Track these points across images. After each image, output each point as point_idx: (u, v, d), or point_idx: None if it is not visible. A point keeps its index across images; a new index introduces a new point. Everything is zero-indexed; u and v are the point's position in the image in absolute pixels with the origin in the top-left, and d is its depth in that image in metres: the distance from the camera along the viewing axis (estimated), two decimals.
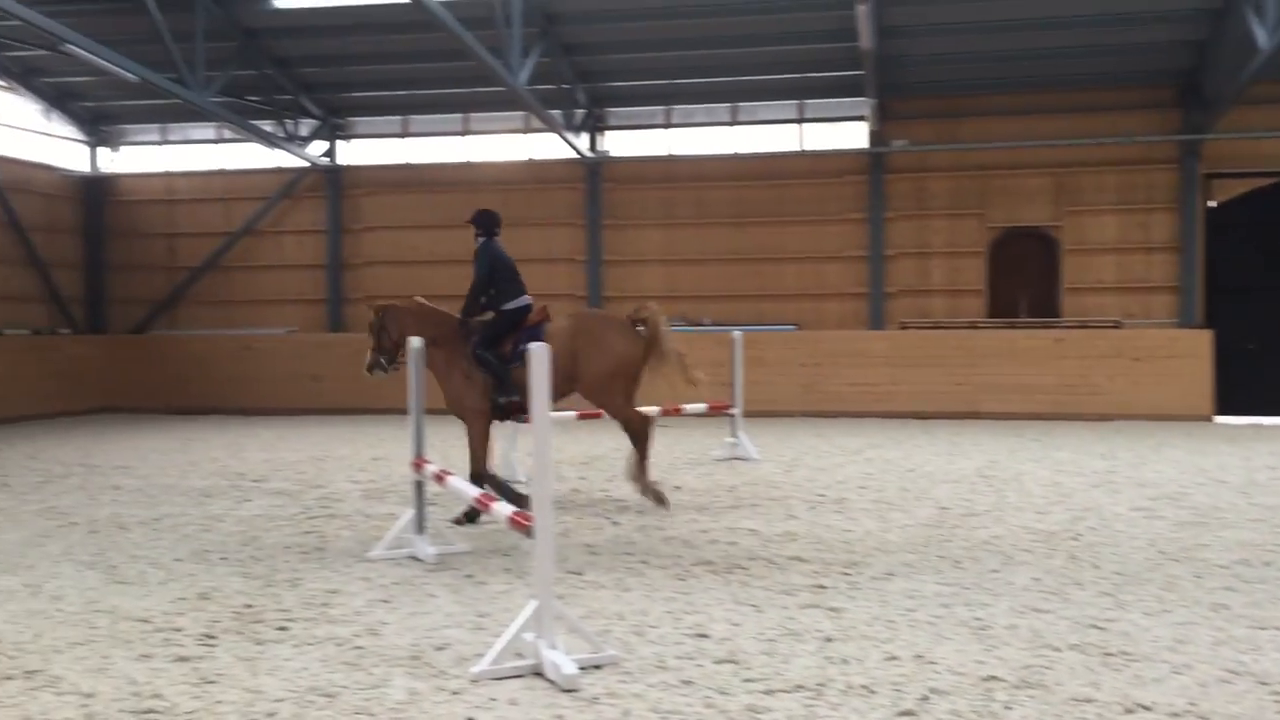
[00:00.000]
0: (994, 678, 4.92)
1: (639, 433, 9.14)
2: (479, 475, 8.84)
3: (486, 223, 9.35)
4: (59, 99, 21.52)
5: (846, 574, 6.97)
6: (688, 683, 4.90)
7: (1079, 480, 11.06)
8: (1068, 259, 19.22)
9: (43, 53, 18.74)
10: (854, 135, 20.07)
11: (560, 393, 8.81)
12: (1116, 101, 18.83)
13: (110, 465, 12.93)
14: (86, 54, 14.59)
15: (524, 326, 9.12)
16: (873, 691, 4.78)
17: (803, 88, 19.80)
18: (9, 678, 4.98)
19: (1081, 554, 7.49)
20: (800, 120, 20.29)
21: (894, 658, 5.25)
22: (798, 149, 20.24)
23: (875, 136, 19.45)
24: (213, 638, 5.60)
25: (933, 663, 5.17)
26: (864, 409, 18.77)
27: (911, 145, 19.33)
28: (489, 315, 9.26)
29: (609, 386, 9.10)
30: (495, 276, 9.16)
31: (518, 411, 9.11)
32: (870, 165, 19.69)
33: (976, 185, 19.45)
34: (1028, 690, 4.77)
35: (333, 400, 20.48)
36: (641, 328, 9.22)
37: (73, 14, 16.75)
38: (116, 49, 15.65)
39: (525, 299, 9.26)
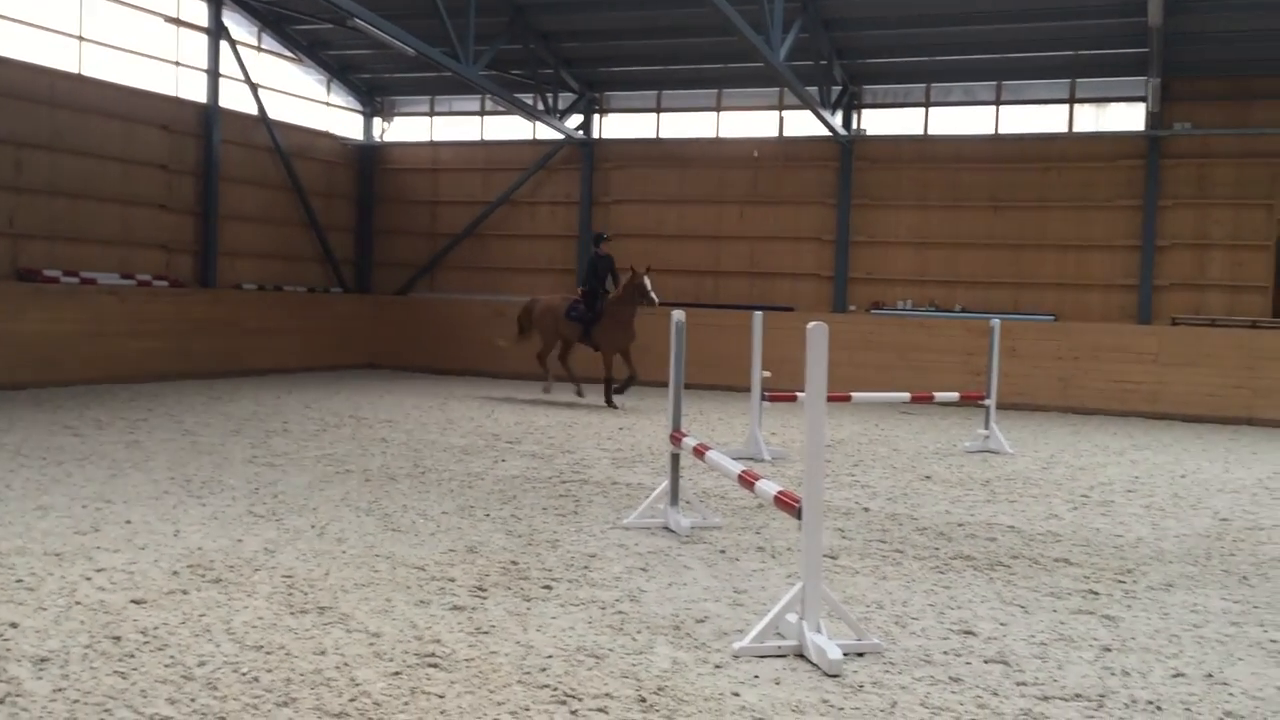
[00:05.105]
0: None
1: None
2: None
3: None
4: (340, 71, 22.90)
5: (1120, 581, 6.58)
6: (956, 680, 4.73)
7: None
8: None
9: (329, 26, 19.95)
10: (1129, 117, 18.91)
11: None
12: None
13: (377, 419, 13.71)
14: (372, 28, 15.39)
15: None
16: (1160, 709, 4.48)
17: (1076, 66, 18.74)
18: (305, 611, 5.33)
19: None
20: (1071, 100, 19.24)
21: (1180, 674, 4.91)
22: (1066, 130, 19.23)
23: (1154, 118, 18.21)
24: (483, 590, 5.83)
25: (1225, 684, 4.81)
26: (1126, 408, 17.70)
27: (1195, 129, 18.00)
28: None
29: None
30: None
31: None
32: (1147, 149, 18.43)
33: (1266, 173, 17.90)
34: None
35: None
36: None
37: None
38: (396, 24, 16.46)
39: None
